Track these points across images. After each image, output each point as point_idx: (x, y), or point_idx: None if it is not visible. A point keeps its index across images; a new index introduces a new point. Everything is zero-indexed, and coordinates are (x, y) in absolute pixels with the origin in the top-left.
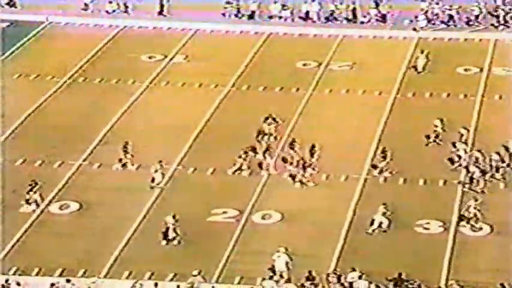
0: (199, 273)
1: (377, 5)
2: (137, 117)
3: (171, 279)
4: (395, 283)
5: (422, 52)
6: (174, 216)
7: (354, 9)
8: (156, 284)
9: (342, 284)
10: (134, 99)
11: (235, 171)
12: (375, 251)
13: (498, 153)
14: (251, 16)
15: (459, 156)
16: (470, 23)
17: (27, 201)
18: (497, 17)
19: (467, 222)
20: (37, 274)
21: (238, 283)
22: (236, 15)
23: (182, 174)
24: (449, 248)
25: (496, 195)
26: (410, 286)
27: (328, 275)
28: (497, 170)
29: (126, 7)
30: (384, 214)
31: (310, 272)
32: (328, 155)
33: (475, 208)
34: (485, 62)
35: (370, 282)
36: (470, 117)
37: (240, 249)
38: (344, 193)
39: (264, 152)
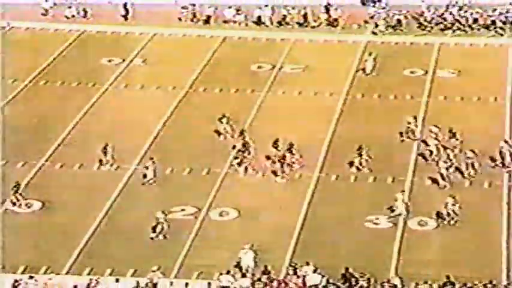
0: (158, 269)
1: (327, 10)
2: (97, 118)
3: (132, 275)
4: (345, 277)
5: (370, 55)
6: (163, 212)
7: (305, 14)
8: (117, 280)
9: (299, 277)
10: (94, 101)
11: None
12: (328, 246)
13: (472, 151)
14: (207, 20)
15: (431, 152)
16: (421, 27)
17: (13, 203)
18: (445, 20)
19: (444, 220)
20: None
21: (196, 278)
22: (192, 20)
23: (142, 174)
24: (398, 243)
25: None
26: (360, 279)
27: (287, 267)
28: (467, 167)
29: (85, 12)
30: (403, 201)
31: (266, 266)
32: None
33: (453, 205)
34: (430, 64)
35: (323, 276)
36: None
37: (198, 245)
38: (298, 190)
39: (244, 151)
